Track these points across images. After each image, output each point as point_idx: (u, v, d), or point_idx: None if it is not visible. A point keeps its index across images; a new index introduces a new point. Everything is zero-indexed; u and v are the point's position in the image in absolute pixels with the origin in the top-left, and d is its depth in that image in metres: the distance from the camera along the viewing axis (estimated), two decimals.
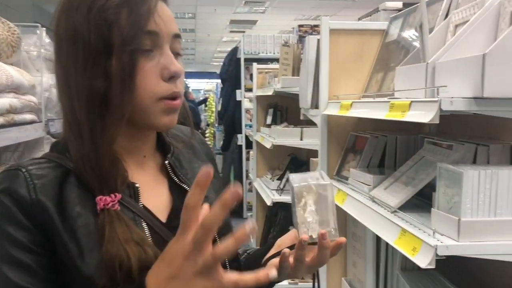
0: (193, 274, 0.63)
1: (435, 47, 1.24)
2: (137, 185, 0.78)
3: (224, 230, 0.79)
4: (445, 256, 1.00)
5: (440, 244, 0.99)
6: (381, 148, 1.71)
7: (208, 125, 12.75)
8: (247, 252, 0.97)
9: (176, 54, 0.80)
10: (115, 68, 0.73)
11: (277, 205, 3.66)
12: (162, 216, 0.81)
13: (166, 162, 0.85)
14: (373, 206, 1.40)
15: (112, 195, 0.73)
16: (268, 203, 3.48)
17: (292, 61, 3.38)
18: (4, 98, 1.63)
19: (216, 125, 8.30)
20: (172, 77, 0.77)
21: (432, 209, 1.11)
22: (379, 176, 1.53)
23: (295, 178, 0.82)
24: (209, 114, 12.57)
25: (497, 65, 0.92)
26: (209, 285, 0.63)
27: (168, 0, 0.82)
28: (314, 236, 0.78)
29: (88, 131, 0.74)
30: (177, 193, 0.84)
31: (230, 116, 5.62)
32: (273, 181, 3.76)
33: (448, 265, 1.55)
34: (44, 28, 2.17)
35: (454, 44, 1.13)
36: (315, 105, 2.06)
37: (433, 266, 1.00)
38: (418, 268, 1.56)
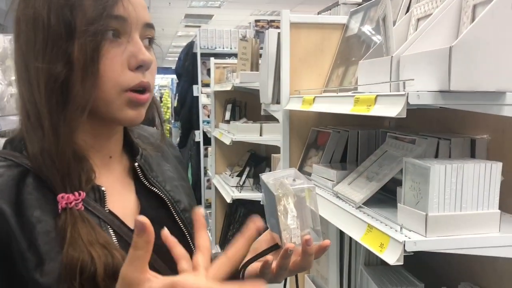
0: None
1: (397, 41, 1.23)
2: (103, 188, 0.72)
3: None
4: (413, 252, 0.99)
5: (408, 239, 0.98)
6: (343, 143, 1.70)
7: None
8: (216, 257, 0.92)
9: (148, 46, 0.73)
10: (77, 53, 0.66)
11: (236, 202, 3.62)
12: (130, 221, 0.74)
13: (136, 164, 0.79)
14: (337, 202, 1.38)
15: (76, 193, 0.67)
16: (228, 200, 3.43)
17: (250, 56, 3.34)
18: None
19: (172, 121, 8.15)
20: (140, 67, 0.70)
21: (399, 204, 1.10)
22: (343, 172, 1.52)
23: (270, 180, 0.77)
24: (165, 110, 12.36)
25: (463, 58, 0.91)
26: None
27: None
28: (297, 243, 0.74)
29: (48, 121, 0.67)
30: (145, 197, 0.78)
31: (187, 112, 5.52)
32: (232, 177, 3.71)
33: (411, 259, 1.56)
34: None
35: (418, 38, 1.13)
36: (276, 100, 2.03)
37: (401, 263, 0.98)
38: (381, 262, 1.57)
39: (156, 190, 0.79)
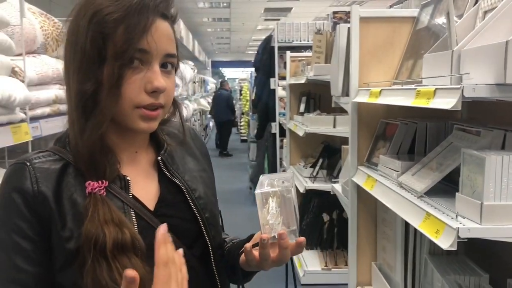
0: None
1: (464, 34, 1.25)
2: (128, 178, 0.87)
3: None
4: (467, 238, 1.03)
5: (462, 226, 1.03)
6: (411, 135, 1.72)
7: (243, 113, 12.86)
8: (233, 241, 1.04)
9: (166, 71, 0.86)
10: (105, 76, 0.81)
11: (310, 192, 3.70)
12: (150, 204, 0.89)
13: (159, 158, 0.93)
14: (400, 191, 1.43)
15: (100, 182, 0.82)
16: (301, 190, 3.53)
17: (325, 49, 3.39)
18: (50, 90, 1.75)
19: (250, 113, 8.37)
20: (153, 92, 0.84)
21: (457, 193, 1.14)
22: (408, 162, 1.55)
23: (263, 181, 0.89)
24: (244, 103, 12.66)
25: None
26: None
27: (174, 17, 0.88)
28: (276, 237, 0.85)
29: (77, 125, 0.82)
30: (166, 185, 0.92)
31: (263, 105, 5.67)
32: (306, 168, 3.80)
33: (477, 250, 1.56)
34: None
35: (480, 31, 1.15)
36: (346, 92, 2.08)
37: (455, 248, 1.03)
38: (447, 252, 1.59)
39: (176, 180, 0.92)
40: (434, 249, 1.58)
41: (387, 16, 1.89)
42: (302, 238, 0.88)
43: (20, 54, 1.57)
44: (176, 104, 0.93)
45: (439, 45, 1.40)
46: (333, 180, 2.82)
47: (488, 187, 1.02)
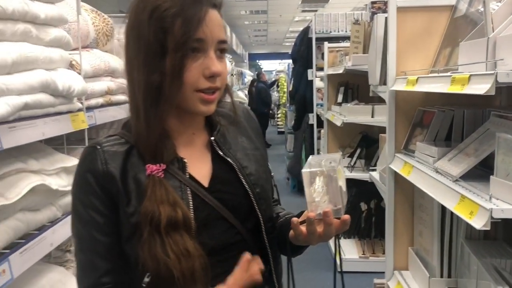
0: None
1: (501, 21, 1.27)
2: (184, 159, 0.96)
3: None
4: (500, 218, 1.07)
5: (495, 207, 1.07)
6: (448, 122, 1.75)
7: (279, 105, 12.90)
8: (286, 217, 1.09)
9: (220, 56, 0.94)
10: (168, 67, 0.89)
11: (348, 182, 3.73)
12: (205, 182, 0.98)
13: (212, 138, 1.01)
14: (436, 176, 1.47)
15: (158, 165, 0.92)
16: None
17: (363, 39, 3.40)
18: (103, 82, 1.87)
19: (288, 105, 8.41)
20: (211, 76, 0.92)
21: (491, 176, 1.18)
22: (444, 148, 1.59)
23: (311, 161, 0.95)
24: (281, 94, 12.70)
25: None
26: None
27: (221, 4, 0.95)
28: (322, 214, 0.90)
29: (143, 114, 0.91)
30: (219, 164, 1.00)
31: (301, 96, 5.71)
32: (344, 158, 3.84)
33: None
34: None
35: None
36: (383, 81, 2.12)
37: (488, 228, 1.07)
38: (484, 237, 1.62)
39: (228, 158, 0.99)
40: (471, 234, 1.62)
41: (424, 5, 1.91)
42: (347, 216, 0.92)
43: (76, 49, 1.70)
44: (227, 86, 1.00)
45: (476, 33, 1.42)
46: (370, 168, 2.85)
47: None
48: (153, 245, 0.87)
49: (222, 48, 0.94)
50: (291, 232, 0.97)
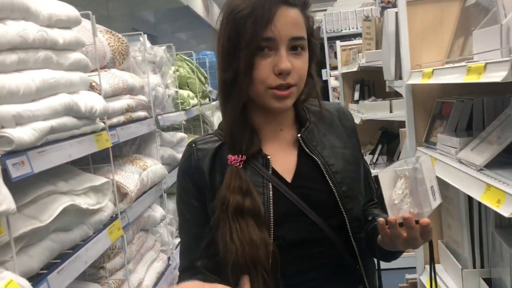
0: None
1: (504, 8, 1.27)
2: (268, 156, 1.00)
3: None
4: None
5: None
6: (467, 112, 1.74)
7: None
8: (376, 217, 1.05)
9: (295, 53, 0.96)
10: (240, 64, 0.94)
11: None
12: (288, 177, 1.00)
13: (299, 135, 1.04)
14: (460, 167, 1.46)
15: (237, 156, 0.97)
16: None
17: (375, 35, 3.40)
18: (122, 100, 1.92)
19: None
20: (280, 73, 0.94)
21: None
22: (465, 138, 1.58)
23: (395, 164, 0.92)
24: None
25: None
26: None
27: (303, 2, 0.97)
28: (402, 218, 0.86)
29: (222, 109, 1.01)
30: (305, 160, 1.02)
31: None
32: (365, 155, 3.82)
33: None
34: (146, 35, 2.45)
35: None
36: (398, 76, 2.12)
37: None
38: None
39: (313, 155, 1.01)
40: (500, 222, 1.60)
41: None
42: (425, 220, 0.87)
43: (94, 70, 1.75)
44: (312, 83, 1.03)
45: (488, 20, 1.42)
46: None
47: None
48: (223, 231, 0.93)
49: (297, 45, 0.96)
50: (379, 235, 0.96)
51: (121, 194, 1.79)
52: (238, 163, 0.96)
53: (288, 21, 0.94)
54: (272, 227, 0.94)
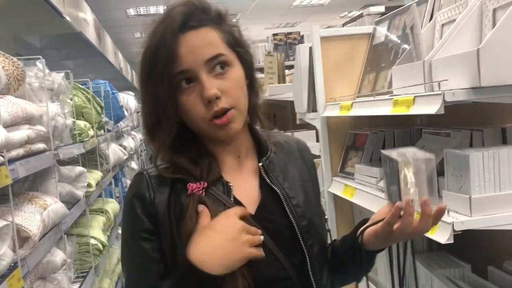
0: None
1: (427, 46, 1.37)
2: (230, 184, 0.91)
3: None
4: (461, 230, 1.12)
5: (455, 220, 1.11)
6: (380, 142, 1.83)
7: None
8: (335, 246, 1.03)
9: (218, 73, 0.89)
10: (164, 108, 0.88)
11: None
12: (251, 208, 0.92)
13: (260, 164, 0.96)
14: (383, 195, 1.51)
15: (198, 184, 0.88)
16: None
17: (277, 70, 3.50)
18: (21, 130, 1.70)
19: None
20: (210, 101, 0.87)
21: (443, 190, 1.23)
22: None
23: (393, 152, 0.89)
24: None
25: (490, 58, 1.05)
26: None
27: (212, 19, 0.91)
28: (416, 207, 0.86)
29: (155, 145, 0.94)
30: (266, 191, 0.95)
31: None
32: None
33: (455, 242, 1.67)
34: (44, 60, 2.23)
35: (446, 42, 1.27)
36: (311, 108, 2.17)
37: (451, 241, 1.11)
38: (428, 250, 1.69)
39: (274, 186, 0.94)
40: (421, 247, 1.68)
41: (344, 34, 2.01)
42: (444, 204, 0.88)
43: None
44: (253, 104, 0.96)
45: (404, 58, 1.51)
46: None
47: (473, 181, 1.12)
48: None
49: (217, 64, 0.89)
50: (368, 235, 0.92)
51: (21, 238, 1.55)
52: (200, 191, 0.87)
53: (196, 45, 0.87)
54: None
